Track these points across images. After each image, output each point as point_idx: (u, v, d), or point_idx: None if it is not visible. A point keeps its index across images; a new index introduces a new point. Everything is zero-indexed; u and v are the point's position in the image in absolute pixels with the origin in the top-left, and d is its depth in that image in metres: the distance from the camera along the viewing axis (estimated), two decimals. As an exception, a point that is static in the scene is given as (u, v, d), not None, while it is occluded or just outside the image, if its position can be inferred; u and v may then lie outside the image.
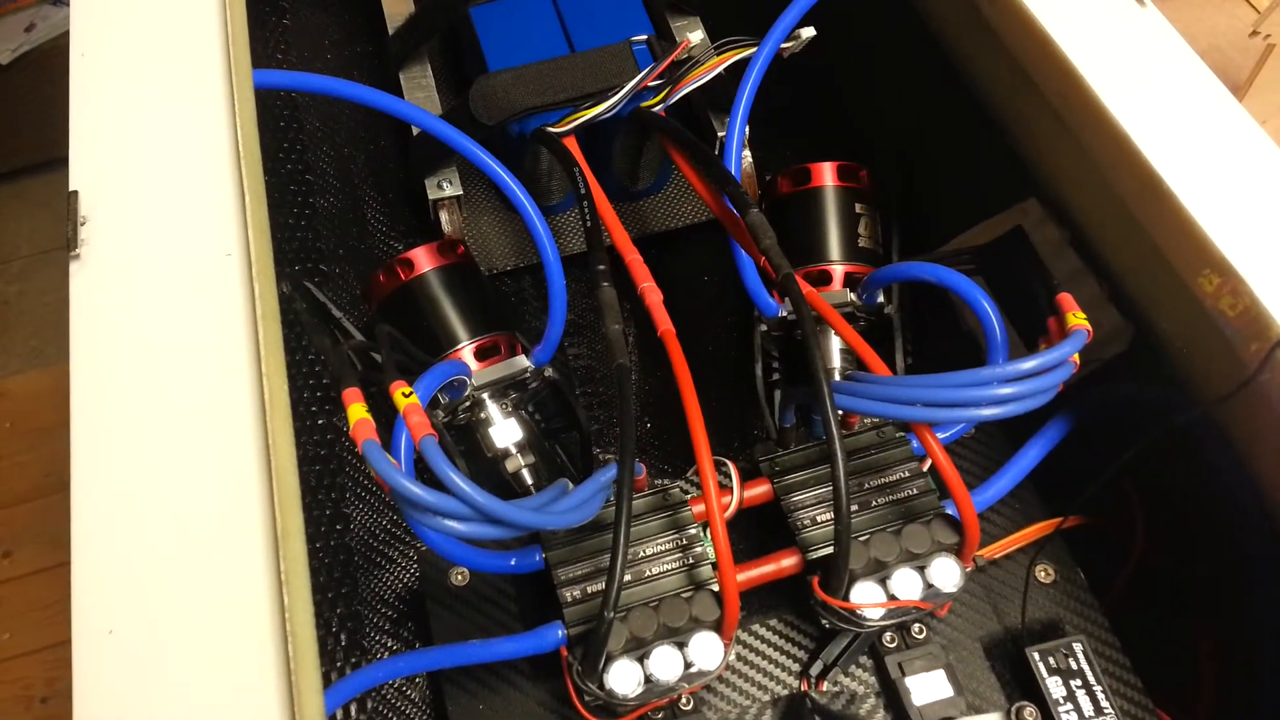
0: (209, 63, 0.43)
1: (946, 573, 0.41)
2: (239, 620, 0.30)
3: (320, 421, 0.54)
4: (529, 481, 0.52)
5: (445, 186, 0.59)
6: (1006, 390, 0.39)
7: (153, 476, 0.33)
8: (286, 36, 0.68)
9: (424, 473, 0.37)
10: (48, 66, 1.50)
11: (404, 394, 0.38)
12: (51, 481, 1.24)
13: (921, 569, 0.42)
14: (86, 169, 0.41)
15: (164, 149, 0.41)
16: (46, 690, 1.14)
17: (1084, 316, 0.41)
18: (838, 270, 0.54)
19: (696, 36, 0.57)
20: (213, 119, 0.42)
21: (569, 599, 0.42)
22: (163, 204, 0.40)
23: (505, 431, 0.52)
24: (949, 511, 0.44)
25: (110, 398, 0.35)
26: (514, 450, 0.52)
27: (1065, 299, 0.43)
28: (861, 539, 0.42)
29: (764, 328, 0.55)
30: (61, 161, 0.41)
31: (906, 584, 0.41)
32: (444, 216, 0.59)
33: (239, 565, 0.31)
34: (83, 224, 0.40)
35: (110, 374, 0.36)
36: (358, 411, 0.37)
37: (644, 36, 0.58)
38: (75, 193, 0.41)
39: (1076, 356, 0.40)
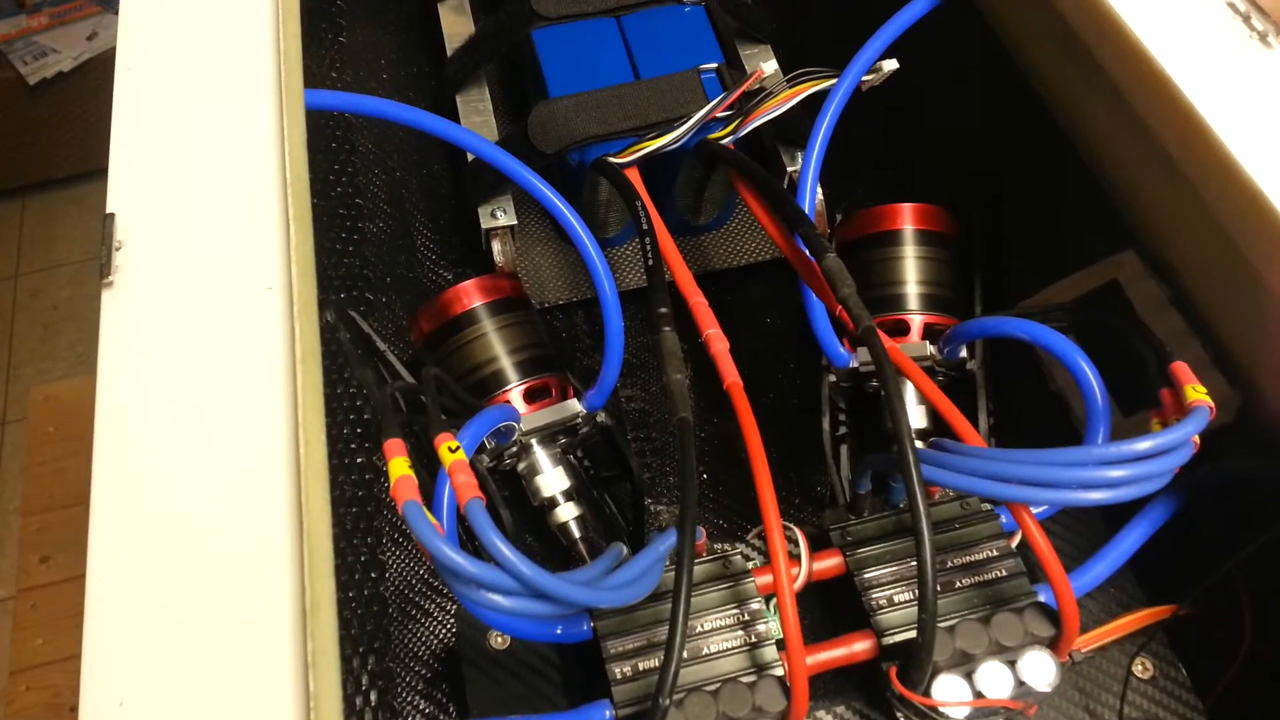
0: (259, 82, 0.40)
1: (1040, 669, 0.37)
2: (258, 708, 0.27)
3: (359, 460, 0.51)
4: (576, 534, 0.48)
5: (499, 215, 0.56)
6: (1118, 473, 0.34)
7: (174, 535, 0.30)
8: (342, 55, 0.66)
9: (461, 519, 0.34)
10: (108, 75, 1.51)
11: (450, 449, 0.35)
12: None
13: (1012, 663, 0.38)
14: (125, 191, 0.39)
15: (208, 172, 0.39)
16: (76, 699, 1.12)
17: (1204, 390, 0.37)
18: (916, 321, 0.50)
19: (770, 67, 0.54)
20: (260, 142, 0.39)
21: (619, 676, 0.38)
22: (203, 231, 0.38)
23: (553, 480, 0.49)
24: (1041, 597, 0.39)
25: (135, 443, 0.32)
26: (561, 500, 0.49)
27: (1181, 369, 0.38)
28: (946, 626, 0.38)
29: (832, 378, 0.52)
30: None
31: (995, 680, 0.37)
32: (496, 246, 0.56)
33: (262, 641, 0.28)
34: (118, 249, 0.37)
35: (137, 416, 0.33)
36: (399, 467, 0.34)
37: (713, 65, 0.55)
38: (112, 215, 0.38)
39: (1197, 438, 0.36)
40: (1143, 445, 0.35)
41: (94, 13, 1.55)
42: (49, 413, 1.34)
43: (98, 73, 1.54)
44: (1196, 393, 0.37)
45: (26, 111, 1.53)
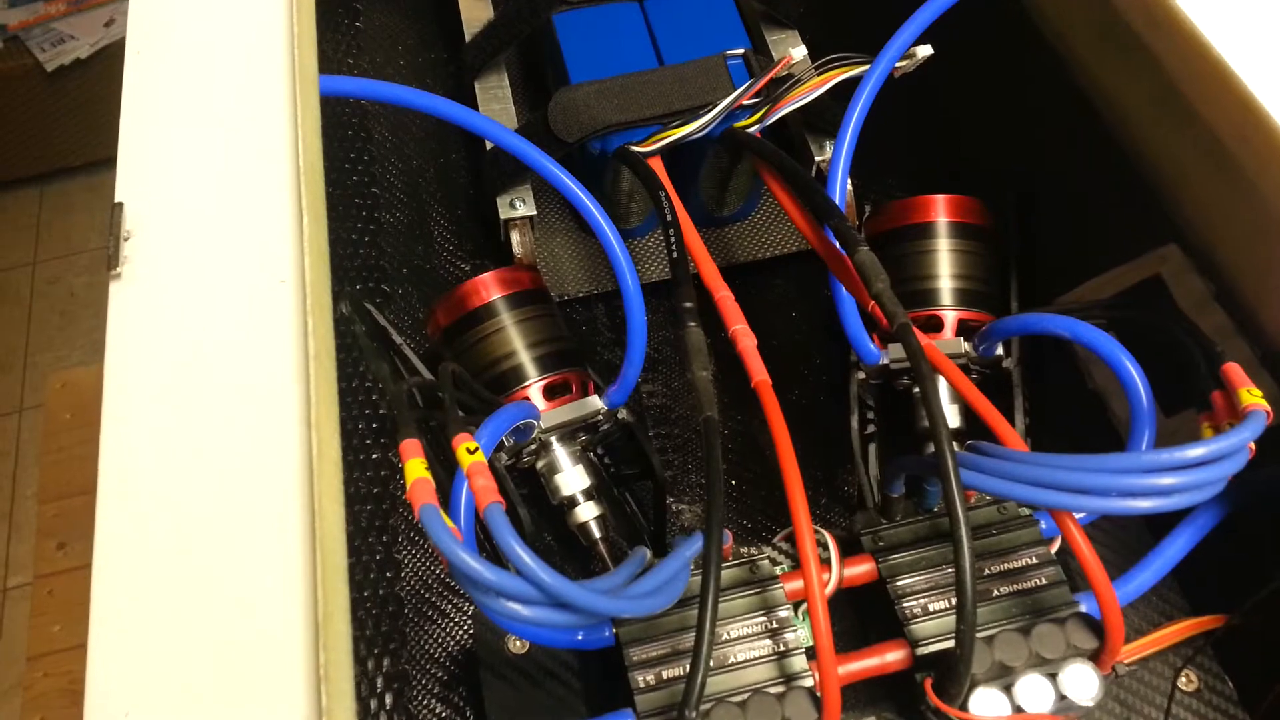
0: (272, 67, 0.39)
1: (1083, 682, 0.36)
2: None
3: (374, 456, 0.50)
4: (596, 534, 0.47)
5: (518, 205, 0.55)
6: (1169, 480, 0.33)
7: (181, 541, 0.29)
8: (359, 40, 0.65)
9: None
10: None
11: (468, 450, 0.34)
12: (108, 477, 1.24)
13: (1053, 675, 0.36)
14: (134, 180, 0.37)
15: (220, 161, 0.38)
16: (90, 692, 1.12)
17: (1260, 394, 0.35)
18: (949, 317, 0.48)
19: (798, 52, 0.52)
20: (274, 129, 0.38)
21: (642, 684, 0.37)
22: (215, 222, 0.36)
23: (573, 479, 0.47)
24: (1083, 607, 0.38)
25: (141, 442, 0.31)
26: (581, 499, 0.47)
27: (1234, 370, 0.37)
28: (984, 637, 0.36)
29: (861, 375, 0.50)
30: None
31: (1036, 694, 0.35)
32: (515, 237, 0.55)
33: (272, 653, 0.27)
34: (126, 239, 0.36)
35: (143, 413, 0.32)
36: (416, 469, 0.32)
37: (740, 51, 0.54)
38: (120, 205, 0.37)
39: (1253, 444, 0.34)
40: (1195, 452, 0.33)
41: (111, -1, 1.55)
42: (66, 399, 1.34)
43: (115, 60, 1.52)
44: (1252, 396, 0.35)
45: (44, 98, 1.52)
